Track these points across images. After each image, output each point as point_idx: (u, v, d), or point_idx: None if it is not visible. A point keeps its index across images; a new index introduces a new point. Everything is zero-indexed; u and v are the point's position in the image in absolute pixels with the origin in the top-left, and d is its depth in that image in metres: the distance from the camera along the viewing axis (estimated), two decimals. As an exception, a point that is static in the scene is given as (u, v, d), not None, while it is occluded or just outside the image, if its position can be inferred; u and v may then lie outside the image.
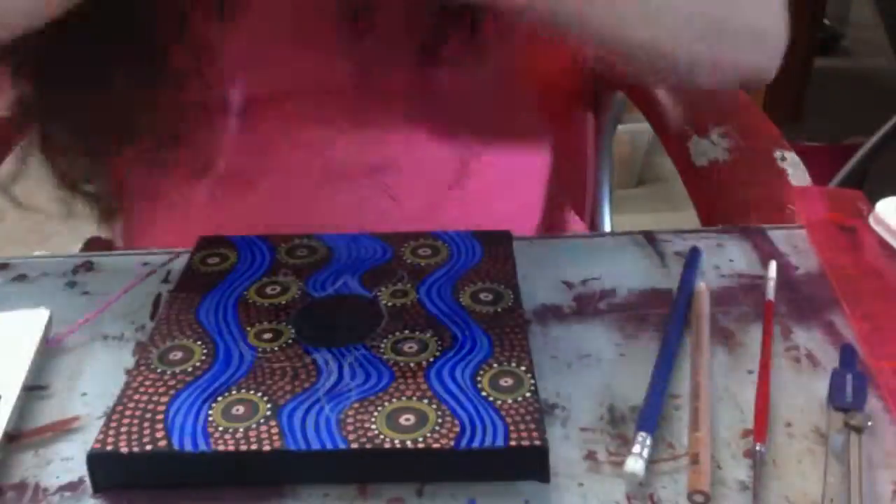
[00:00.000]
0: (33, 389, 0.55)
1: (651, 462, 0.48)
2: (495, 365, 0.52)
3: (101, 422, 0.53)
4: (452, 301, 0.58)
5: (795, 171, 0.74)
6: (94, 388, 0.55)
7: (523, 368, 0.52)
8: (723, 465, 0.49)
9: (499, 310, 0.57)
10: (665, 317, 0.59)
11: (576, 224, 0.91)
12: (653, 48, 0.59)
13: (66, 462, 0.50)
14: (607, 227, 1.08)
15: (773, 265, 0.63)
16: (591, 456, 0.50)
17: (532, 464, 0.48)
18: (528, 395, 0.50)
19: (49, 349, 0.58)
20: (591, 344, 0.57)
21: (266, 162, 0.73)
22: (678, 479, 0.48)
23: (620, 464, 0.48)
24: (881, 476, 0.48)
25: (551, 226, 0.84)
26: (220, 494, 0.48)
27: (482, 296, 0.58)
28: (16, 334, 0.57)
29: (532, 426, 0.48)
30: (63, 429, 0.53)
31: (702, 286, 0.61)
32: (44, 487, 0.49)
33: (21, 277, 0.66)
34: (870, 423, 0.50)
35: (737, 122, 0.81)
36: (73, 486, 0.49)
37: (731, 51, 0.63)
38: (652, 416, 0.51)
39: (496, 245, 0.64)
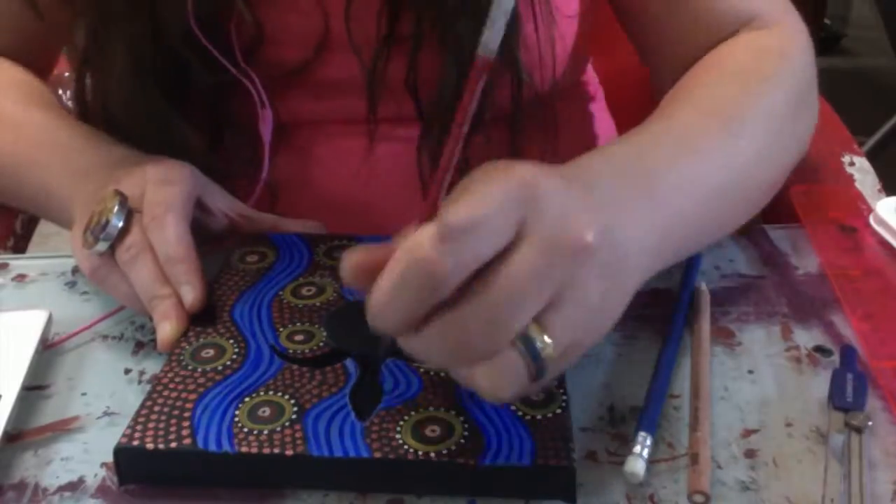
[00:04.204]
0: (33, 389, 0.55)
1: (651, 462, 0.48)
2: None
3: (102, 421, 0.53)
4: None
5: (864, 176, 0.73)
6: (94, 388, 0.55)
7: (555, 383, 0.51)
8: (723, 465, 0.49)
9: None
10: (665, 317, 0.59)
11: None
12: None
13: (66, 462, 0.50)
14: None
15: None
16: (591, 456, 0.50)
17: (558, 484, 0.47)
18: (558, 411, 0.49)
19: (49, 349, 0.58)
20: (591, 344, 0.57)
21: (307, 169, 0.74)
22: (678, 479, 0.48)
23: (620, 464, 0.48)
24: (881, 476, 0.48)
25: None
26: (219, 493, 0.48)
27: None
28: (16, 334, 0.57)
29: (560, 445, 0.47)
30: (63, 429, 0.52)
31: (702, 286, 0.61)
32: (44, 487, 0.49)
33: (21, 277, 0.66)
34: (870, 423, 0.50)
35: None
36: (72, 486, 0.49)
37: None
38: (652, 416, 0.51)
39: None
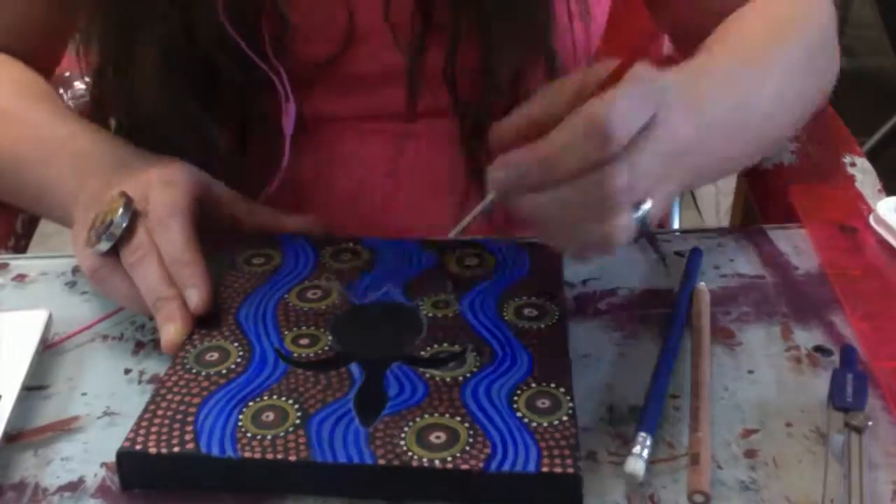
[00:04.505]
0: (33, 389, 0.55)
1: (651, 462, 0.48)
2: (534, 385, 0.51)
3: (102, 422, 0.53)
4: (495, 315, 0.57)
5: (865, 177, 0.73)
6: (94, 388, 0.55)
7: (562, 390, 0.51)
8: (723, 465, 0.49)
9: (542, 326, 0.56)
10: (665, 317, 0.59)
11: None
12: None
13: (66, 462, 0.50)
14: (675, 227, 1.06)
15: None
16: (591, 456, 0.50)
17: (563, 492, 0.46)
18: (564, 419, 0.49)
19: (49, 349, 0.58)
20: (591, 344, 0.57)
21: (331, 168, 0.73)
22: (678, 479, 0.48)
23: (620, 464, 0.48)
24: (881, 476, 0.48)
25: None
26: (222, 498, 0.48)
27: (526, 311, 0.57)
28: (16, 334, 0.57)
29: (566, 452, 0.47)
30: (63, 429, 0.52)
31: (702, 286, 0.61)
32: (44, 487, 0.49)
33: (21, 277, 0.66)
34: (870, 423, 0.50)
35: (808, 125, 0.79)
36: (72, 486, 0.49)
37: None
38: (652, 416, 0.51)
39: (544, 257, 0.62)
